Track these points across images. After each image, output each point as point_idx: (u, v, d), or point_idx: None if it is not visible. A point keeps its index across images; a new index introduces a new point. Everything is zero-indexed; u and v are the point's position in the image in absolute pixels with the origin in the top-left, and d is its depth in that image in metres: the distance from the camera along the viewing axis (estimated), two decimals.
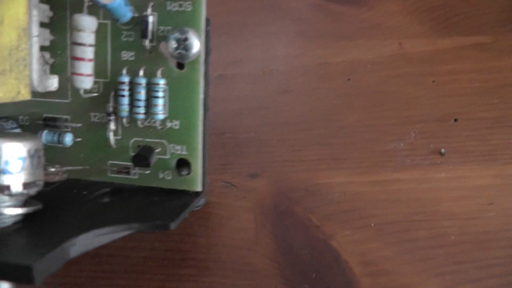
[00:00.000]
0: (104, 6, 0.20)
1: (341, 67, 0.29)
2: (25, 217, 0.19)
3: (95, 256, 0.25)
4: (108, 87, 0.22)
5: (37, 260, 0.16)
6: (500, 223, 0.24)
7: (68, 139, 0.23)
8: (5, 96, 0.18)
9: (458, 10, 0.30)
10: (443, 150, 0.26)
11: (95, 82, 0.22)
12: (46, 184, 0.20)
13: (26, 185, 0.18)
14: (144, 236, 0.26)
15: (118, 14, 0.21)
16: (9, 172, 0.18)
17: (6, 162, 0.18)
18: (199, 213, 0.26)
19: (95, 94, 0.22)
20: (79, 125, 0.23)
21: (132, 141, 0.23)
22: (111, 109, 0.22)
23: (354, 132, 0.27)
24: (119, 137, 0.23)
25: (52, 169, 0.21)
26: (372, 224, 0.25)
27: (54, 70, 0.22)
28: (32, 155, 0.19)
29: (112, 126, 0.22)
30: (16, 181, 0.18)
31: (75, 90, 0.22)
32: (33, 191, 0.19)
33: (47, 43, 0.22)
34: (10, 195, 0.18)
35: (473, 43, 0.29)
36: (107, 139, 0.22)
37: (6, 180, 0.18)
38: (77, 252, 0.18)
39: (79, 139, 0.23)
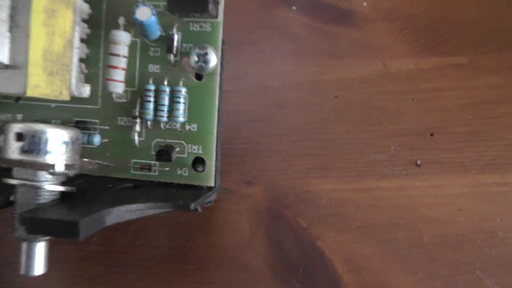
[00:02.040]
0: (141, 22, 0.22)
1: (330, 84, 0.31)
2: (61, 197, 0.22)
3: (107, 252, 0.28)
4: (136, 95, 0.25)
5: (83, 217, 0.18)
6: (468, 226, 0.27)
7: (97, 139, 0.25)
8: (51, 93, 0.21)
9: (438, 33, 0.32)
10: (419, 162, 0.28)
11: (124, 91, 0.25)
12: (77, 176, 0.23)
13: (67, 166, 0.21)
14: (151, 235, 0.28)
15: (150, 30, 0.23)
16: (54, 153, 0.21)
17: (52, 145, 0.21)
18: (200, 216, 0.28)
19: (124, 101, 0.25)
20: (107, 127, 0.25)
21: (154, 141, 0.25)
22: (137, 113, 0.25)
23: (341, 144, 0.29)
24: (142, 138, 0.25)
25: (85, 159, 0.24)
26: (353, 227, 0.27)
27: (87, 80, 0.25)
28: (73, 142, 0.22)
29: (137, 128, 0.25)
30: (59, 161, 0.21)
31: (105, 97, 0.25)
32: (72, 172, 0.22)
33: (83, 56, 0.25)
34: (54, 173, 0.21)
35: (452, 63, 0.31)
36: (131, 140, 0.25)
37: (51, 159, 0.21)
38: (111, 221, 0.20)
39: (106, 140, 0.25)
